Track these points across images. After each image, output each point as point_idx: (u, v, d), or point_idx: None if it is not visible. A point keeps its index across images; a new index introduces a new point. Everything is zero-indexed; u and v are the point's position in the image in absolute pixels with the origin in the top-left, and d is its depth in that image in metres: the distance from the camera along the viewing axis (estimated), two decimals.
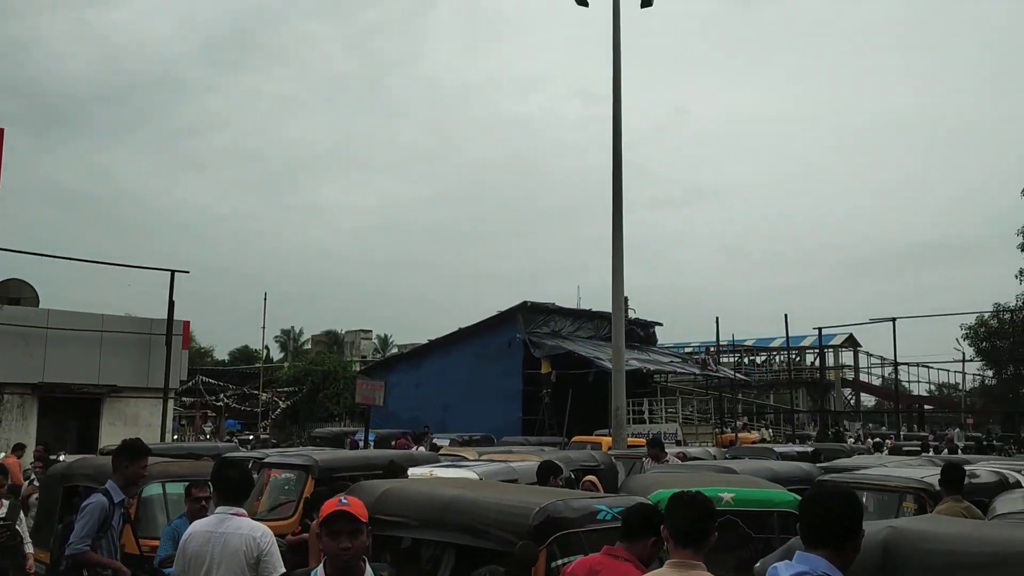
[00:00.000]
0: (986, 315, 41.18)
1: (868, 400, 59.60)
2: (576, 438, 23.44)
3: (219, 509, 5.20)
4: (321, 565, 3.71)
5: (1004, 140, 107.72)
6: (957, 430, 36.63)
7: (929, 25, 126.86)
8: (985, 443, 27.59)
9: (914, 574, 3.69)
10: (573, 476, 8.97)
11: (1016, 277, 40.33)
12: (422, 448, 22.17)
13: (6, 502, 6.15)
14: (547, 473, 8.64)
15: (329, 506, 3.70)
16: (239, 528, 5.05)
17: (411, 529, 5.50)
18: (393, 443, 23.88)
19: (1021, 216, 41.51)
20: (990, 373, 45.45)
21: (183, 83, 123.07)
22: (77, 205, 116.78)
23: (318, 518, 4.43)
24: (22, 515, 6.18)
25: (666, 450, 13.20)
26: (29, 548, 7.46)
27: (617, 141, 21.06)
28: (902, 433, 36.74)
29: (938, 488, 7.78)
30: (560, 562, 4.83)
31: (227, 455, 12.53)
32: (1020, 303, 40.34)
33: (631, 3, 21.77)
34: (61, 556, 6.06)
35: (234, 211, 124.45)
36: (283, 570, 5.15)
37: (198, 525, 5.21)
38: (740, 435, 31.26)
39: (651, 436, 12.90)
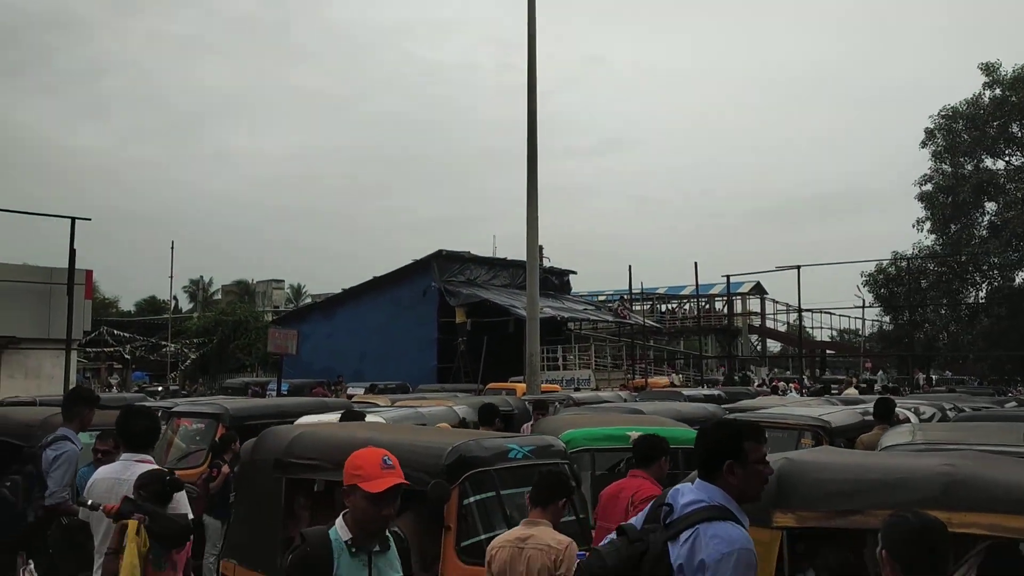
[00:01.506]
0: (884, 263, 42.83)
1: (774, 346, 61.66)
2: (491, 385, 23.68)
3: (124, 456, 5.11)
4: (341, 521, 3.24)
5: (906, 94, 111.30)
6: (881, 372, 37.96)
7: None
8: (881, 386, 28.90)
9: (805, 501, 3.91)
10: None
11: (913, 226, 42.08)
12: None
13: None
14: (490, 415, 8.86)
15: (380, 473, 3.18)
16: None
17: (325, 472, 5.51)
18: (311, 392, 23.72)
19: (920, 168, 43.09)
20: (887, 319, 47.43)
21: (79, 23, 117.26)
22: None
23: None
24: None
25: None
26: None
27: (532, 89, 20.99)
28: (805, 377, 38.16)
29: (834, 425, 8.28)
30: (472, 500, 4.93)
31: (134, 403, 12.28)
32: (916, 251, 42.11)
33: None
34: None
35: (137, 157, 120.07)
36: (191, 515, 5.12)
37: (103, 471, 5.12)
38: (650, 380, 32.04)
39: (535, 399, 12.79)
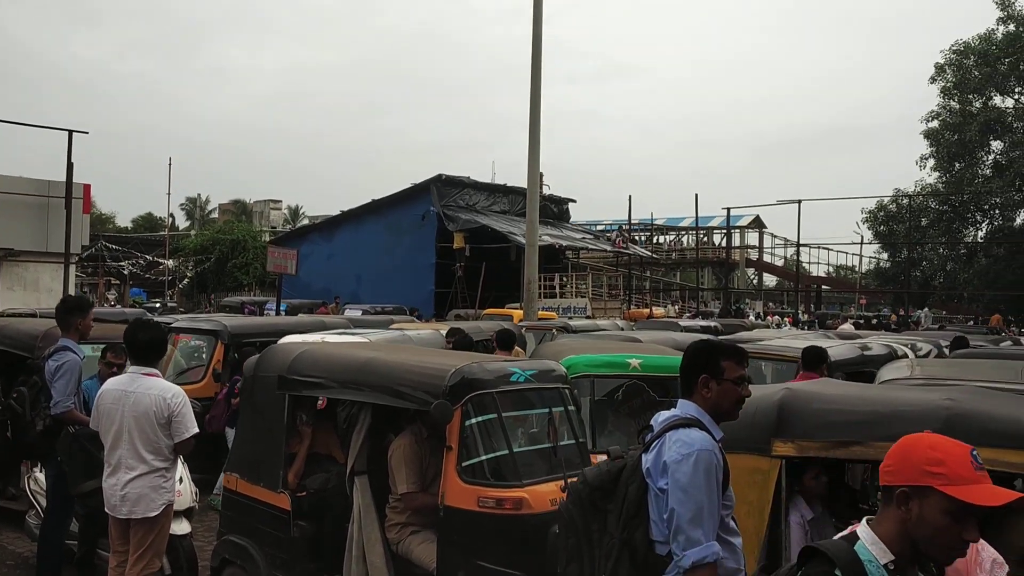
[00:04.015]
0: (886, 200, 42.67)
1: (770, 280, 61.84)
2: (488, 311, 23.77)
3: (131, 368, 5.15)
4: (871, 535, 2.15)
5: (917, 26, 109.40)
6: (925, 310, 37.63)
7: None
8: (875, 322, 29.11)
9: (806, 431, 3.97)
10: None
11: (916, 163, 41.80)
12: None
13: None
14: (509, 341, 8.81)
15: (975, 475, 2.08)
16: (150, 388, 5.02)
17: (327, 389, 5.53)
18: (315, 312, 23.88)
19: (928, 104, 42.70)
20: (885, 256, 47.47)
21: None
22: None
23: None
24: None
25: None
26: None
27: (538, 10, 20.58)
28: (800, 311, 38.31)
29: (834, 359, 8.26)
30: (474, 421, 4.97)
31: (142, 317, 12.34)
32: (918, 189, 41.90)
33: None
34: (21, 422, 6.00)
35: (133, 71, 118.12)
36: (196, 430, 5.17)
37: (111, 383, 5.17)
38: (645, 311, 32.17)
39: (498, 331, 9.84)
